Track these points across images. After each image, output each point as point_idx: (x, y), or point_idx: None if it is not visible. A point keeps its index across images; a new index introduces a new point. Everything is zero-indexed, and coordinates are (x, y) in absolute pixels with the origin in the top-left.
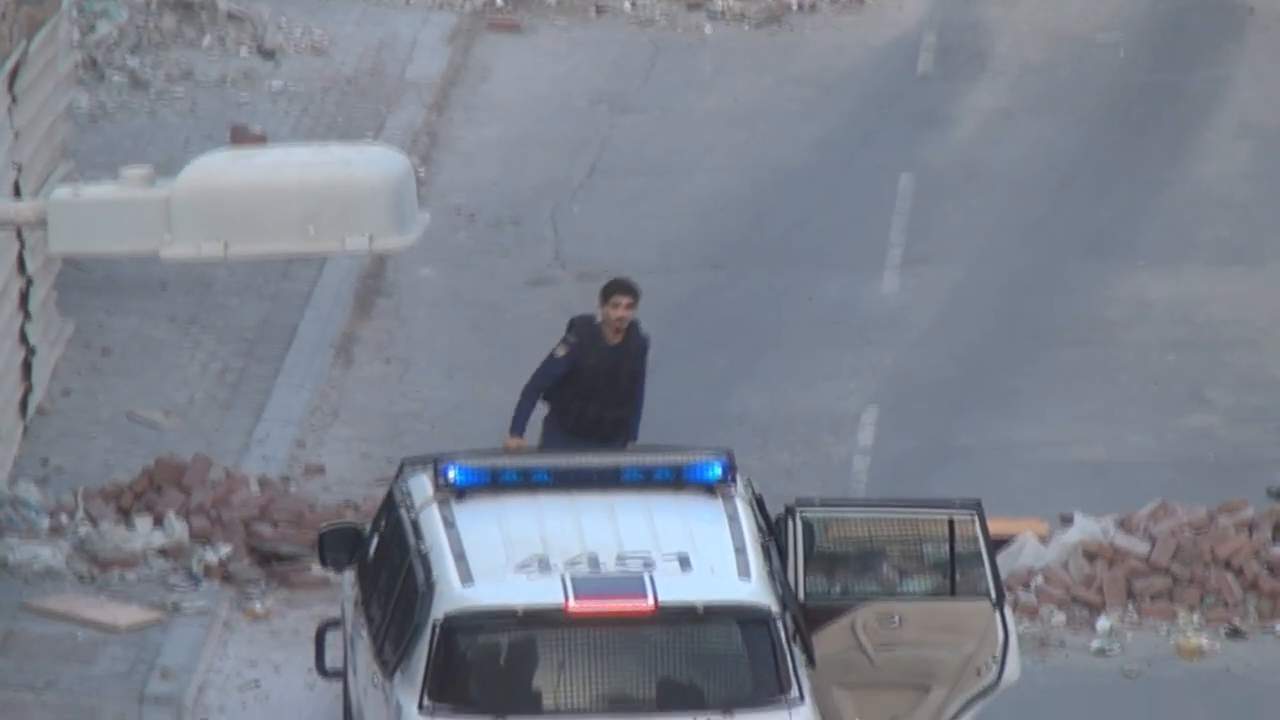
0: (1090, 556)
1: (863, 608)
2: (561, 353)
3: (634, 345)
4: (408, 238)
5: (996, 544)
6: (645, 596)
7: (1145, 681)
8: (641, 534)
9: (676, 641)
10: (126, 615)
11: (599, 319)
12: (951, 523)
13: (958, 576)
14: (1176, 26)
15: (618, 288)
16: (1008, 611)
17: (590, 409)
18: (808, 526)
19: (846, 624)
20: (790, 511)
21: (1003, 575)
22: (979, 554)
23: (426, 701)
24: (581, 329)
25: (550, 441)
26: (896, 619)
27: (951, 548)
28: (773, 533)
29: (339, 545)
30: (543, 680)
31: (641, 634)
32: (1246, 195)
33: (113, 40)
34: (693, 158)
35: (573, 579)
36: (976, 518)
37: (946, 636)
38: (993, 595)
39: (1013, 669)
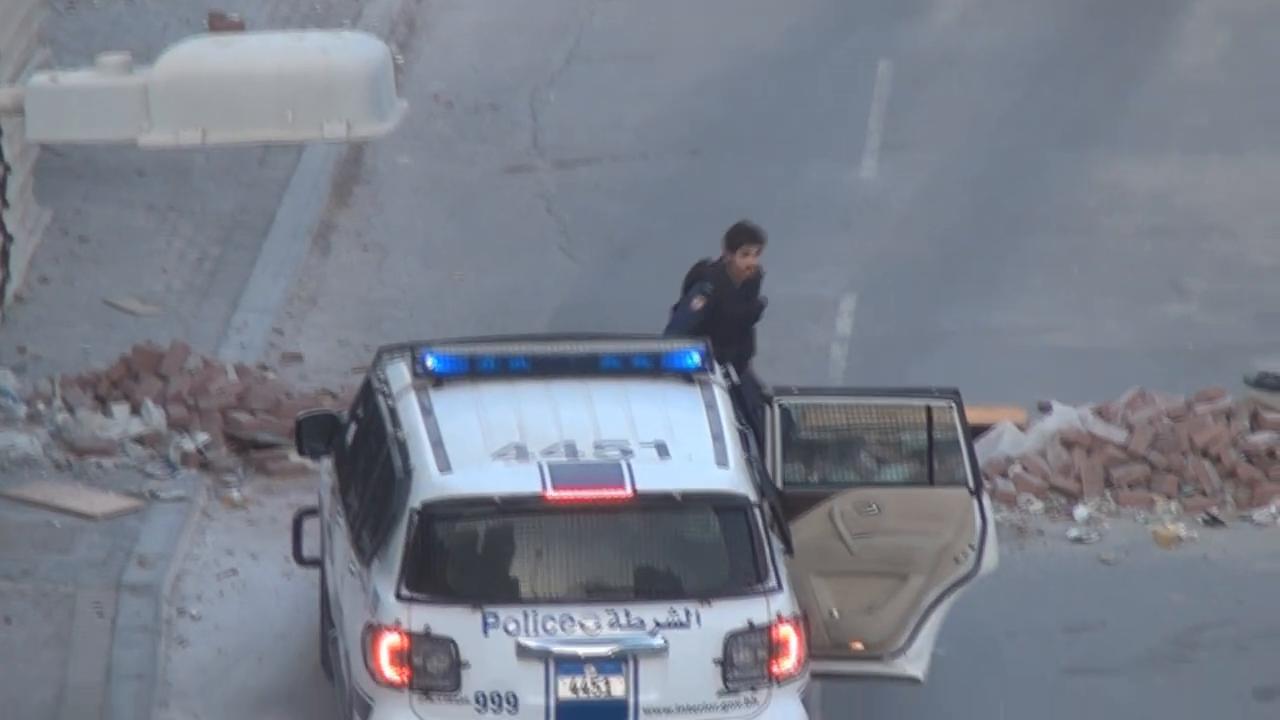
0: (1068, 444)
1: (840, 496)
2: (699, 304)
3: (756, 283)
4: (386, 125)
5: (975, 432)
6: (623, 485)
7: (1123, 569)
8: (619, 422)
9: (654, 530)
10: (104, 503)
11: (723, 262)
12: (930, 411)
13: (936, 465)
14: None
15: (748, 236)
16: (985, 500)
17: (729, 353)
18: (786, 414)
19: (824, 512)
20: (768, 400)
21: (981, 463)
22: (957, 442)
23: (404, 590)
24: (714, 276)
25: None
26: (874, 507)
27: (930, 436)
28: (751, 421)
29: (316, 433)
30: (520, 568)
31: (619, 522)
32: (1225, 83)
33: None
34: (671, 43)
35: (550, 467)
36: (955, 406)
37: (924, 524)
38: (970, 483)
39: (990, 557)
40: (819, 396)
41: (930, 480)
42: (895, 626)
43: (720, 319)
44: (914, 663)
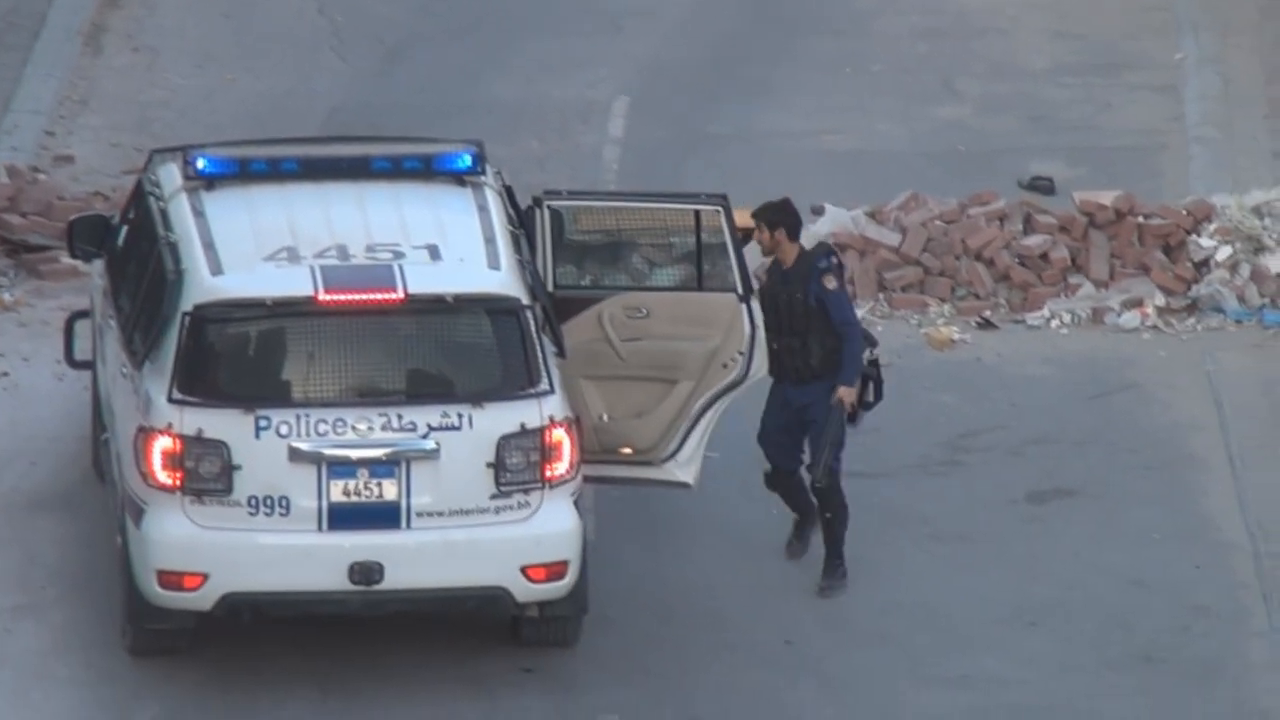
0: (841, 247)
1: (610, 299)
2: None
3: (803, 270)
4: None
5: (745, 236)
6: (395, 287)
7: (896, 372)
8: (391, 224)
9: (426, 332)
10: None
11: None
12: (698, 215)
13: (705, 269)
14: None
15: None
16: (755, 305)
17: (778, 352)
18: (556, 217)
19: (593, 316)
20: (538, 202)
21: (751, 268)
22: (726, 247)
23: (176, 392)
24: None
25: None
26: (643, 311)
27: (699, 240)
28: (523, 224)
29: (88, 235)
30: (292, 371)
31: (391, 325)
32: None
33: None
34: None
35: (322, 269)
36: (723, 211)
37: (693, 329)
38: (739, 289)
39: (760, 364)
40: (589, 199)
41: (699, 285)
42: (664, 432)
43: (765, 302)
44: (684, 468)
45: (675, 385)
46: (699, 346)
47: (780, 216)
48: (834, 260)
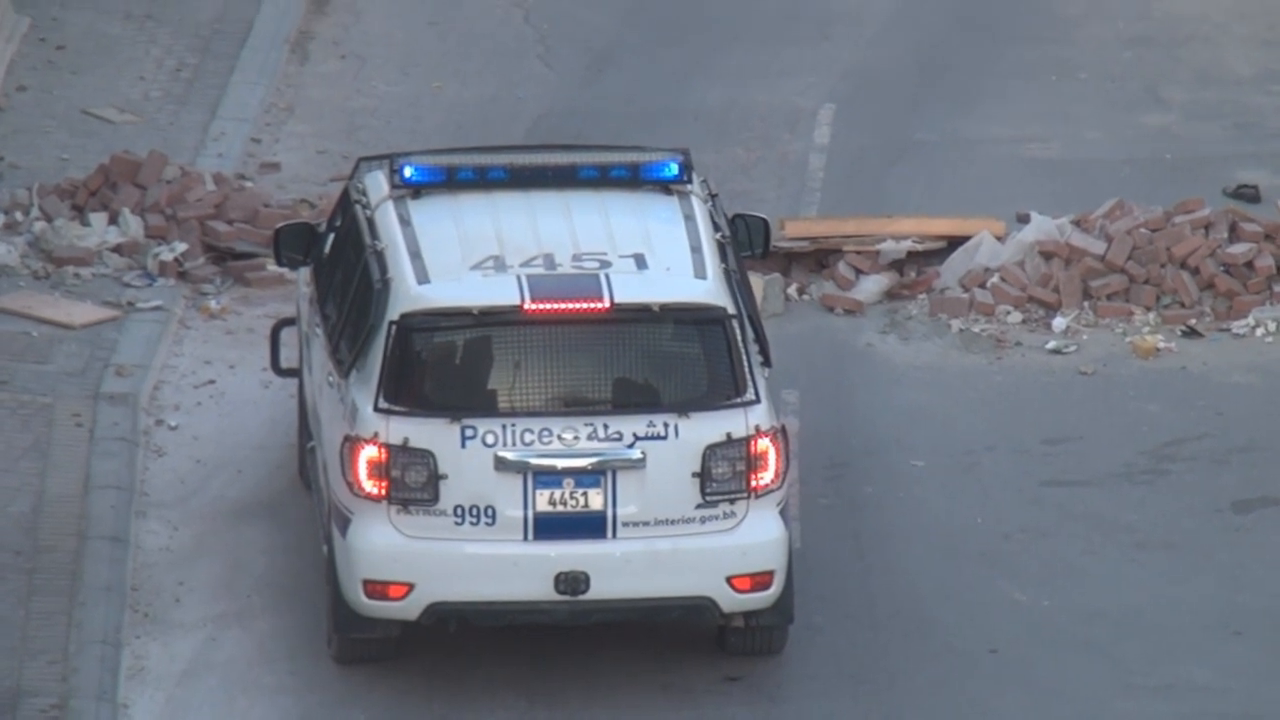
0: (1046, 255)
1: None
2: None
3: None
4: None
5: (952, 245)
6: (601, 297)
7: (1101, 380)
8: (597, 233)
9: (632, 342)
10: (82, 313)
11: None
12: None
13: None
14: None
15: None
16: None
17: None
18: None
19: None
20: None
21: (960, 273)
22: None
23: (382, 401)
24: None
25: None
26: None
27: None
28: (731, 231)
29: (294, 243)
30: (498, 380)
31: (597, 334)
32: None
33: None
34: None
35: (529, 279)
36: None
37: None
38: None
39: None
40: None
41: None
42: None
43: None
44: None
45: None
46: None
47: None
48: None
